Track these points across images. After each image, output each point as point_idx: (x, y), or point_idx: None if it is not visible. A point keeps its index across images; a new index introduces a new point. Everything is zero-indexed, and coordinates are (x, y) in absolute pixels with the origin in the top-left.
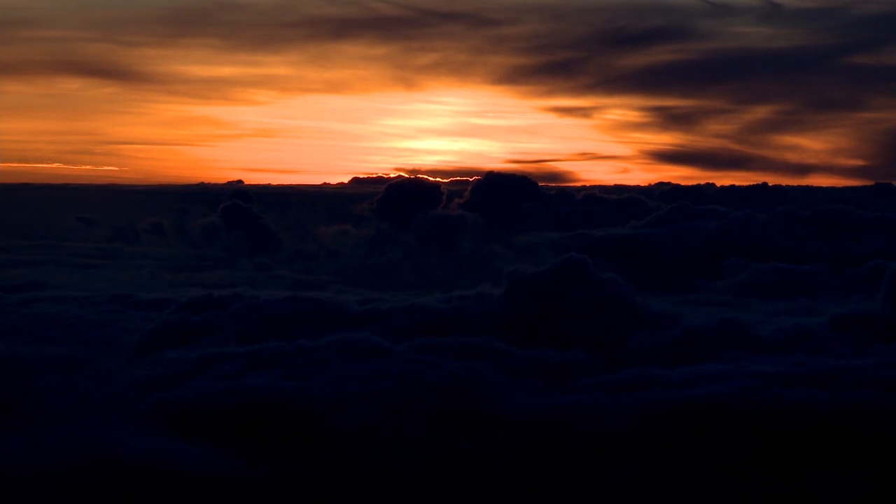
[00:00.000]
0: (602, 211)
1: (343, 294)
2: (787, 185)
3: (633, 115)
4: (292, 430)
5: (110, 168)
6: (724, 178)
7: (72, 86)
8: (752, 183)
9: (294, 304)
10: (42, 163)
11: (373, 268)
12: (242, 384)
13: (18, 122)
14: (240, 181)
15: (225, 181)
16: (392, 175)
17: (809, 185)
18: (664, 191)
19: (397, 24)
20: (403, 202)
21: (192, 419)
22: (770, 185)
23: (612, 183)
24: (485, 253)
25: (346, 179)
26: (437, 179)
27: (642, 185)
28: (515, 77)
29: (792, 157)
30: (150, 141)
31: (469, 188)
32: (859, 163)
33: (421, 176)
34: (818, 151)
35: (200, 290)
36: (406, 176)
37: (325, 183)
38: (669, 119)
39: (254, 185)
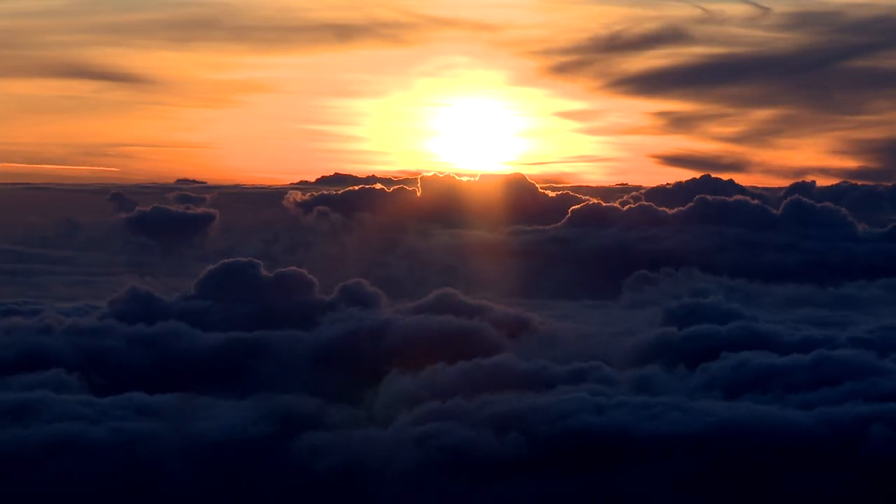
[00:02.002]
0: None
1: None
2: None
3: (633, 119)
4: None
5: (112, 169)
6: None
7: (84, 88)
8: (752, 185)
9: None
10: (44, 164)
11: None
12: None
13: (26, 123)
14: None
15: (231, 182)
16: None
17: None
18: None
19: (399, 30)
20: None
21: None
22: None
23: (612, 185)
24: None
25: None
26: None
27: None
28: (516, 81)
29: (791, 160)
30: (156, 143)
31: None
32: (856, 165)
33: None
34: (817, 154)
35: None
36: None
37: (312, 180)
38: (670, 122)
39: (252, 186)
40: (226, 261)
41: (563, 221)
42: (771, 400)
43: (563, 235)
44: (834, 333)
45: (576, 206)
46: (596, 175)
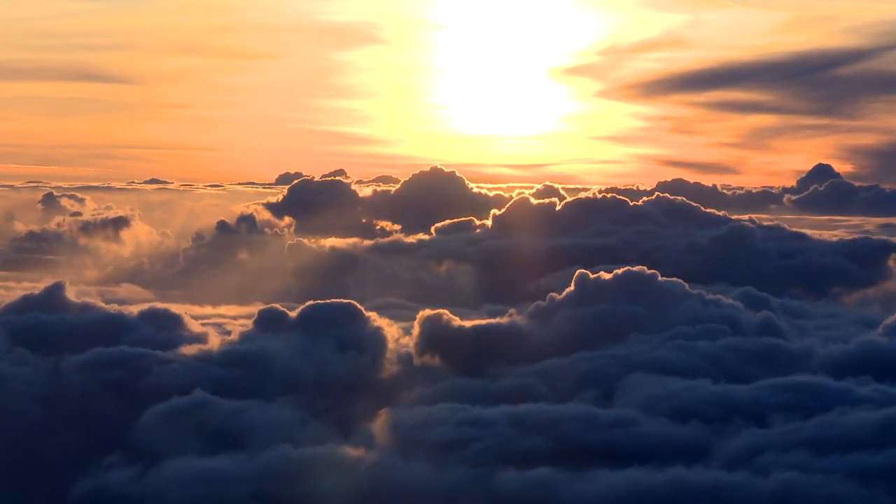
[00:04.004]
0: None
1: None
2: None
3: (632, 122)
4: None
5: (101, 170)
6: (719, 182)
7: (92, 91)
8: (748, 187)
9: None
10: (43, 165)
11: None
12: None
13: (34, 125)
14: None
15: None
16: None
17: None
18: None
19: (401, 34)
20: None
21: None
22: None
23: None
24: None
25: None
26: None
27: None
28: (517, 84)
29: (787, 163)
30: (158, 146)
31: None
32: (851, 169)
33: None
34: (813, 158)
35: None
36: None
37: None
38: (670, 125)
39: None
40: None
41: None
42: None
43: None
44: None
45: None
46: (595, 177)
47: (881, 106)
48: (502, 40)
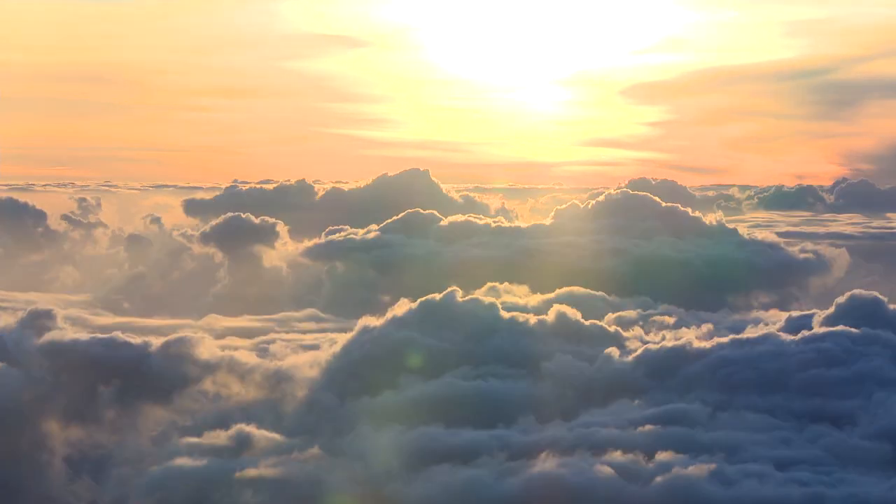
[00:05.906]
0: None
1: None
2: None
3: (629, 126)
4: None
5: (101, 172)
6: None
7: (100, 94)
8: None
9: None
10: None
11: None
12: None
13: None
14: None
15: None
16: None
17: None
18: None
19: (402, 36)
20: None
21: None
22: None
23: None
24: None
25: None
26: None
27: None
28: (518, 85)
29: (785, 165)
30: (162, 147)
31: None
32: (846, 171)
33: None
34: (807, 161)
35: None
36: None
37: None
38: (667, 129)
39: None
40: None
41: None
42: None
43: None
44: None
45: None
46: (597, 178)
47: (880, 110)
48: (506, 43)
